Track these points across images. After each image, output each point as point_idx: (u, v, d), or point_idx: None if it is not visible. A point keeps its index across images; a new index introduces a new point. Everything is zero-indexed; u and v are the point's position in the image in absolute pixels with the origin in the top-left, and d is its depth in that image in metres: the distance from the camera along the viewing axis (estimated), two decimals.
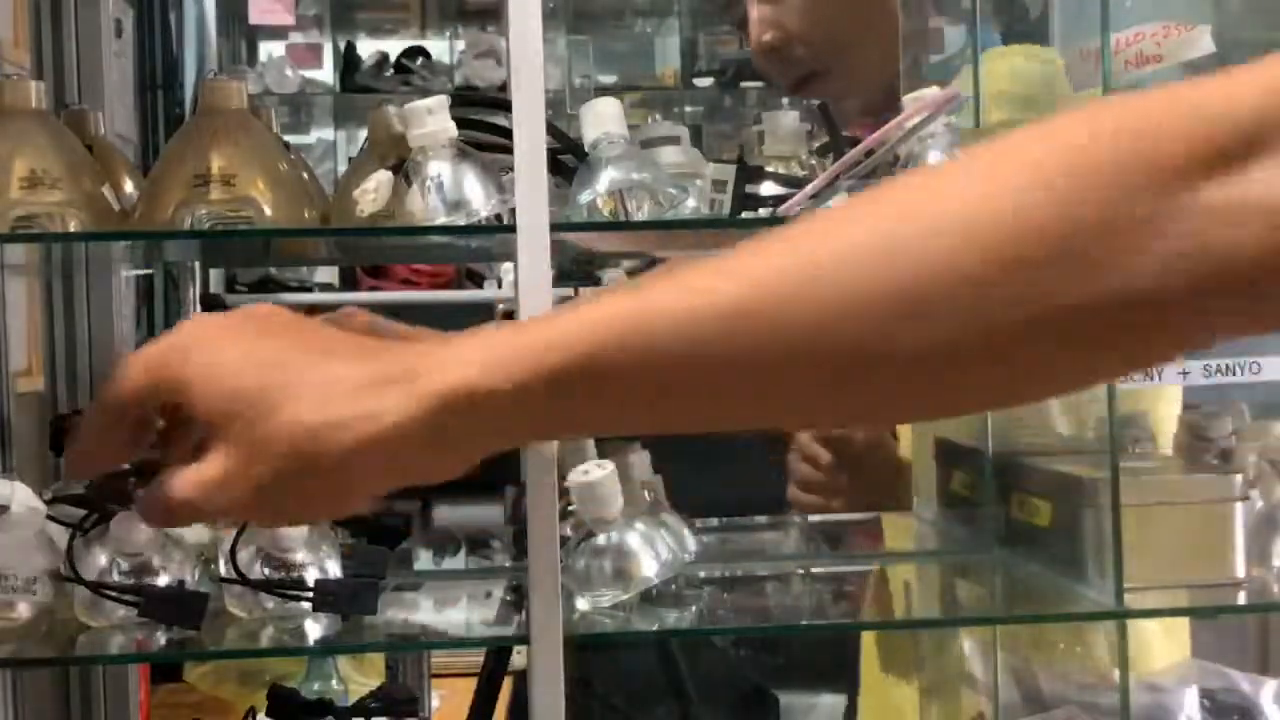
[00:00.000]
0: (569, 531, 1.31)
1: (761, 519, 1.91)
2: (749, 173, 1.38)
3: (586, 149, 1.33)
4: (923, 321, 0.50)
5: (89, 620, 1.27)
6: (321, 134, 4.64)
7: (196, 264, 3.51)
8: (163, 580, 1.27)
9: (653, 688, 2.32)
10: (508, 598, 1.46)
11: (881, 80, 1.55)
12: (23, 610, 1.26)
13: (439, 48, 4.61)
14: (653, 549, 1.29)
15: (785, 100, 1.49)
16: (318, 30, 4.67)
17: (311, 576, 1.28)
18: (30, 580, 1.26)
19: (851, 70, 1.64)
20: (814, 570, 1.76)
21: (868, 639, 1.94)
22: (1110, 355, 0.52)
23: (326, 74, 4.59)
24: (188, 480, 0.74)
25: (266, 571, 1.28)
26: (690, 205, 1.35)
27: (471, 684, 2.52)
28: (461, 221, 1.26)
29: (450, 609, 1.51)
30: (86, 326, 1.80)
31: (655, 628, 1.37)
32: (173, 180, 1.31)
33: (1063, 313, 0.49)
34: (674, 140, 1.41)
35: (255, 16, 4.36)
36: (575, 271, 3.75)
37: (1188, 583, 1.37)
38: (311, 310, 0.89)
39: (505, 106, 1.25)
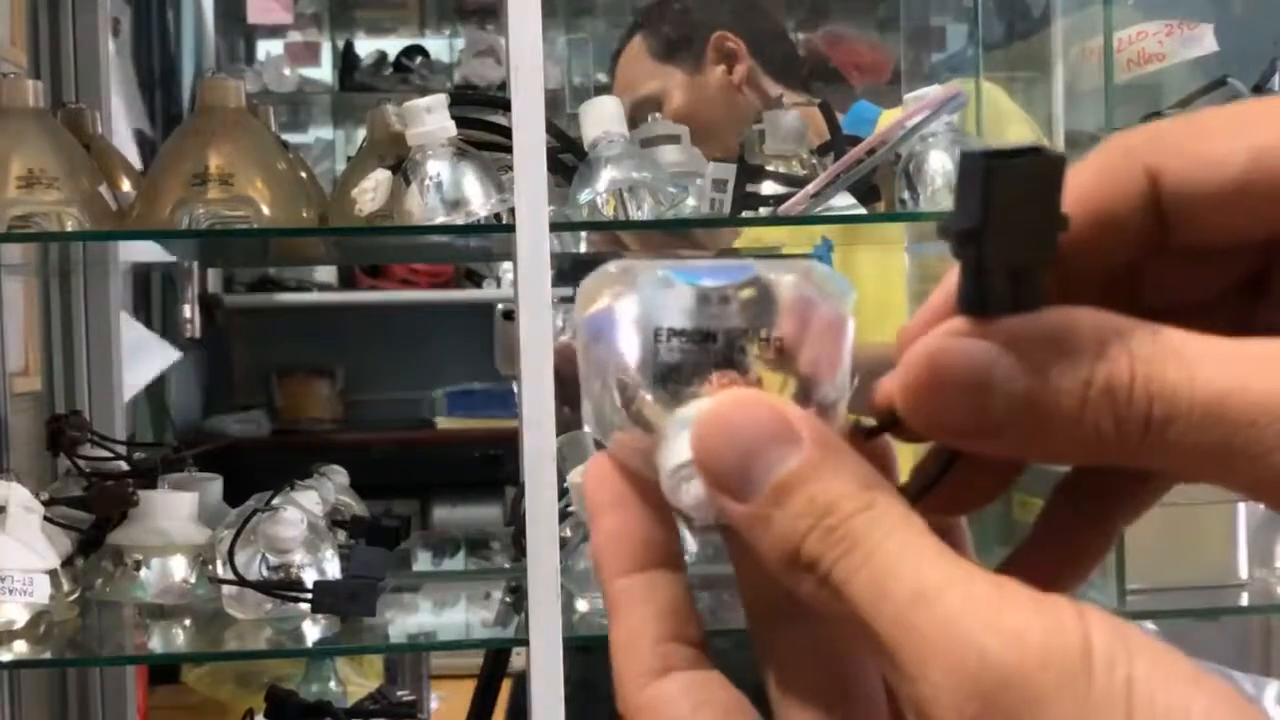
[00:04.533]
0: (568, 532, 1.31)
1: None
2: (749, 172, 1.38)
3: (586, 148, 1.32)
4: None
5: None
6: (320, 133, 4.63)
7: (195, 263, 3.51)
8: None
9: None
10: (507, 599, 1.45)
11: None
12: (20, 611, 1.25)
13: (438, 46, 4.60)
14: None
15: (784, 98, 1.48)
16: (316, 29, 4.66)
17: (310, 577, 1.28)
18: (28, 581, 1.25)
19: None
20: None
21: None
22: None
23: (325, 73, 4.58)
24: None
25: (265, 573, 1.28)
26: (690, 204, 1.35)
27: (470, 686, 2.51)
28: (460, 221, 1.26)
29: (449, 610, 1.51)
30: (84, 326, 1.79)
31: None
32: (171, 179, 1.31)
33: None
34: (674, 139, 1.40)
35: (253, 15, 4.35)
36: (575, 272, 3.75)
37: (1190, 584, 1.36)
38: None
39: (505, 105, 1.25)
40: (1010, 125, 1.64)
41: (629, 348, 0.34)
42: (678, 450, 0.33)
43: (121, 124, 2.65)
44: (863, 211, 1.38)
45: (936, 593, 0.29)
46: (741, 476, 0.32)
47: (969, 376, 0.31)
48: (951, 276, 0.32)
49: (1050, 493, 0.37)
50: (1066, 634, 0.28)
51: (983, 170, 0.30)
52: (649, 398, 0.34)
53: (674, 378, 0.34)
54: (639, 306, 0.34)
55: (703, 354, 0.34)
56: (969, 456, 0.34)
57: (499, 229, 1.28)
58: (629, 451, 0.35)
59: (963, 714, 0.28)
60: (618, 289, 0.35)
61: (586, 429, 0.36)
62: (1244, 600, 1.38)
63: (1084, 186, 0.33)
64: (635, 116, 1.96)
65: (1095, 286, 0.33)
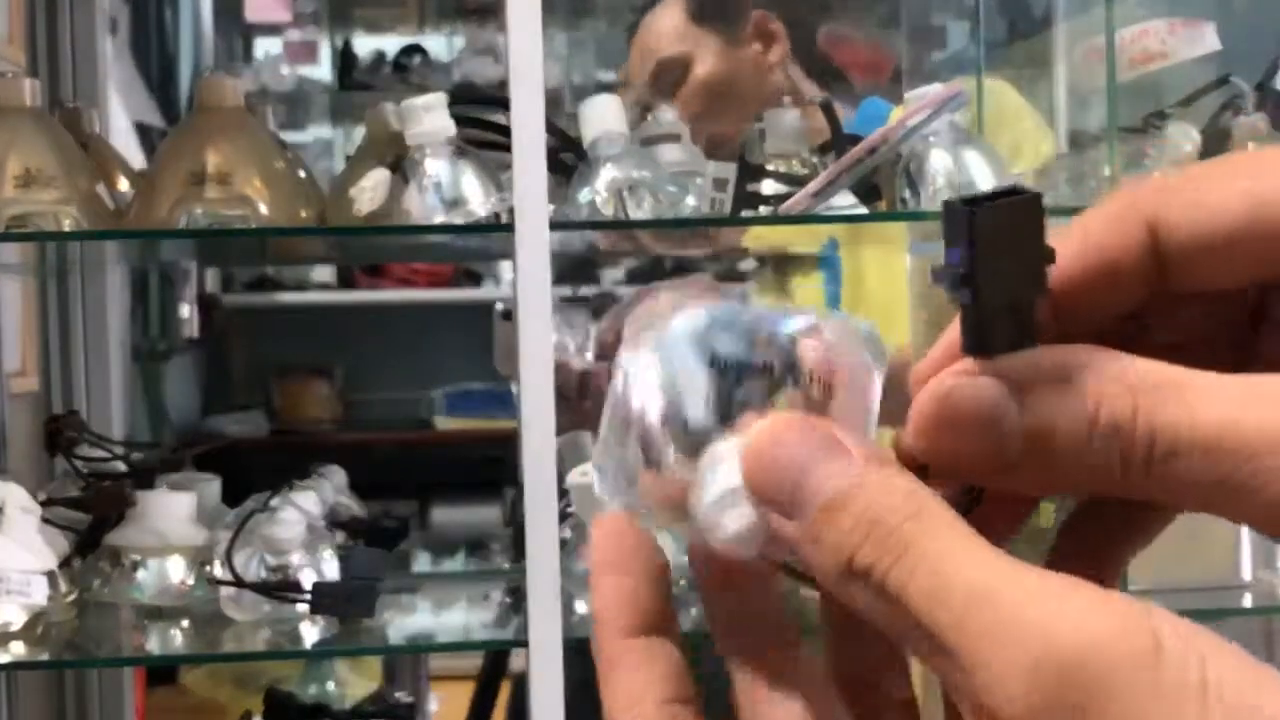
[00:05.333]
0: (568, 533, 1.30)
1: None
2: (750, 171, 1.37)
3: (586, 147, 1.31)
4: None
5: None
6: (318, 132, 4.62)
7: (193, 263, 3.51)
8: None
9: None
10: (506, 600, 1.45)
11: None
12: (17, 612, 1.25)
13: (437, 45, 4.60)
14: None
15: (786, 98, 1.48)
16: (314, 27, 4.65)
17: (309, 578, 1.27)
18: (25, 582, 1.25)
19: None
20: None
21: None
22: None
23: (323, 71, 4.57)
24: None
25: (263, 574, 1.27)
26: (690, 204, 1.34)
27: (470, 687, 2.51)
28: (459, 220, 1.25)
29: (448, 611, 1.50)
30: (81, 326, 1.79)
31: None
32: (168, 179, 1.30)
33: None
34: (674, 138, 1.39)
35: (251, 13, 4.34)
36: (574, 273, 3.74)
37: (1192, 585, 1.36)
38: None
39: (504, 104, 1.24)
40: (1020, 122, 1.63)
41: (662, 395, 0.35)
42: (719, 480, 0.33)
43: (120, 123, 2.64)
44: (864, 211, 1.37)
45: (994, 590, 0.29)
46: (793, 493, 0.32)
47: (980, 415, 0.32)
48: (956, 321, 0.33)
49: (1055, 534, 0.38)
50: (1134, 627, 0.28)
51: (966, 218, 0.31)
52: (679, 444, 0.34)
53: (705, 425, 0.34)
54: (679, 351, 0.35)
55: (733, 404, 0.34)
56: (993, 493, 0.34)
57: (498, 228, 1.27)
58: (653, 499, 0.35)
59: (1029, 697, 0.28)
60: (652, 334, 0.35)
61: (597, 487, 0.37)
62: (1247, 601, 1.37)
63: (1090, 236, 0.34)
64: (659, 75, 1.94)
65: (1099, 327, 0.34)
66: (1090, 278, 0.34)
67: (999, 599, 0.29)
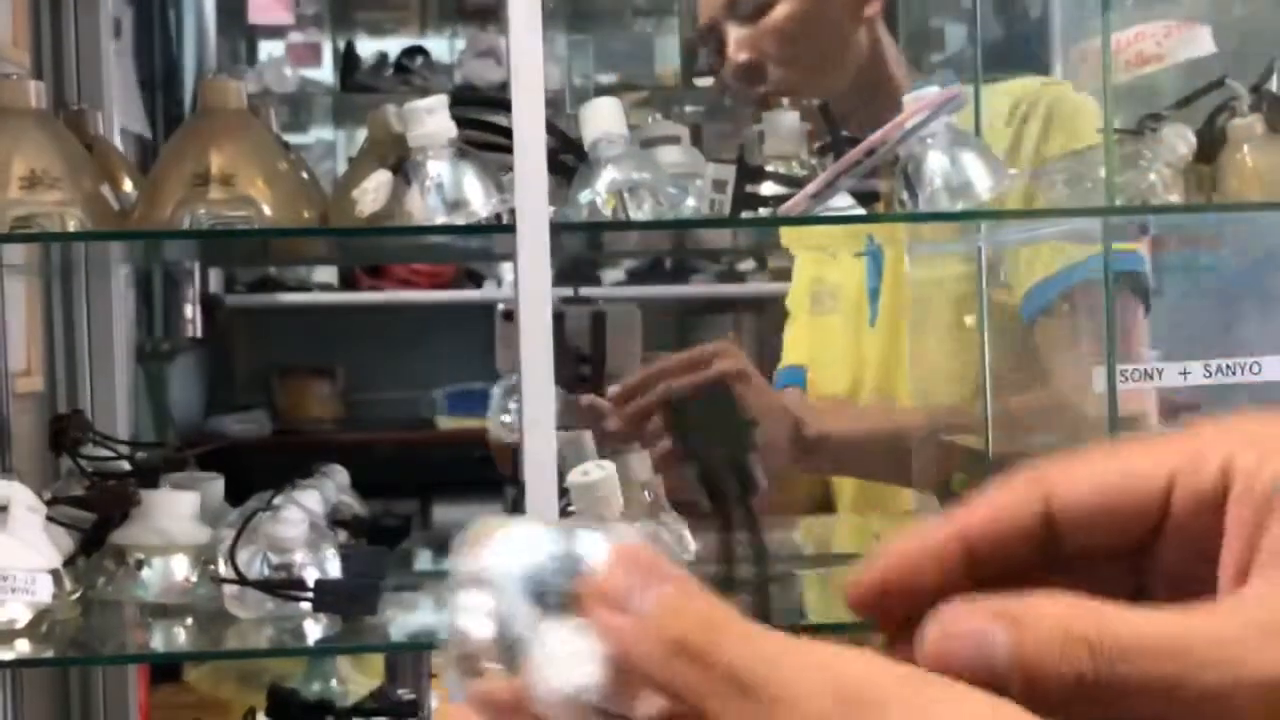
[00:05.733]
0: None
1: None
2: (749, 173, 1.38)
3: (586, 149, 1.32)
4: None
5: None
6: (321, 133, 4.63)
7: (196, 263, 3.52)
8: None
9: None
10: None
11: (843, 106, 1.56)
12: (23, 610, 1.26)
13: (438, 47, 4.61)
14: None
15: (786, 100, 1.49)
16: (317, 29, 4.66)
17: (312, 577, 1.28)
18: (30, 580, 1.26)
19: (816, 93, 1.64)
20: (815, 570, 1.75)
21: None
22: None
23: (326, 73, 4.58)
24: None
25: (267, 572, 1.28)
26: (690, 205, 1.35)
27: None
28: (461, 221, 1.26)
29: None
30: (86, 327, 1.80)
31: None
32: (172, 180, 1.31)
33: None
34: (674, 140, 1.40)
35: (254, 15, 4.35)
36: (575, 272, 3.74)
37: None
38: None
39: (505, 106, 1.25)
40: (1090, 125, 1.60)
41: (493, 627, 0.42)
42: (558, 648, 0.41)
43: (138, 124, 2.65)
44: (861, 212, 1.38)
45: (800, 644, 0.39)
46: (638, 591, 0.41)
47: (977, 638, 0.40)
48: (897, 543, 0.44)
49: None
50: (905, 671, 0.38)
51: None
52: (508, 664, 0.42)
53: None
54: (506, 587, 0.42)
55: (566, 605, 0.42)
56: None
57: (499, 229, 1.28)
58: (498, 688, 0.42)
59: (827, 711, 0.37)
60: (483, 567, 0.42)
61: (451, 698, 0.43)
62: None
63: (997, 506, 0.44)
64: (733, 4, 1.75)
65: (1014, 578, 0.43)
66: (999, 540, 0.43)
67: (806, 648, 0.38)
